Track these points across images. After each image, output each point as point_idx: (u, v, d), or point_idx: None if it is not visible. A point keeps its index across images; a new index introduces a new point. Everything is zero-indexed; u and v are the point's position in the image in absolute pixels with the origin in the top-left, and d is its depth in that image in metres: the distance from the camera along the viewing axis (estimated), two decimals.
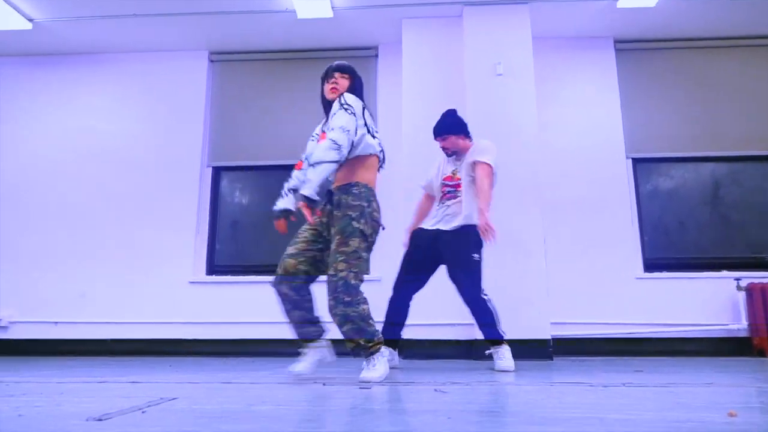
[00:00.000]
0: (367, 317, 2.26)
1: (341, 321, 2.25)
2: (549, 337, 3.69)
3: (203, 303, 4.34)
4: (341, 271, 2.24)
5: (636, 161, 4.52)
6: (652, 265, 4.34)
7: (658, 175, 4.54)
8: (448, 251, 2.89)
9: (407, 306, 3.01)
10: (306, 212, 2.24)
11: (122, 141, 4.67)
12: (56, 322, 4.32)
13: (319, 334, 2.41)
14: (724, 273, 4.18)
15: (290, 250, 2.38)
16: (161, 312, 4.30)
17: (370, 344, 2.27)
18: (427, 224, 3.06)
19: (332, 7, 4.19)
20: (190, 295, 4.36)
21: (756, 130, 4.48)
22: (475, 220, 2.86)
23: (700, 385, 2.07)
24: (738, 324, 4.01)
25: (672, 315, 4.13)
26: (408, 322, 3.89)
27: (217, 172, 4.71)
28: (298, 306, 2.37)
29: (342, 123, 2.30)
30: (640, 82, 4.62)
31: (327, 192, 2.42)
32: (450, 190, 3.05)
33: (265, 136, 4.70)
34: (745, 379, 2.36)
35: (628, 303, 4.17)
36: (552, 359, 3.61)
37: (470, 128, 4.03)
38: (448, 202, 3.01)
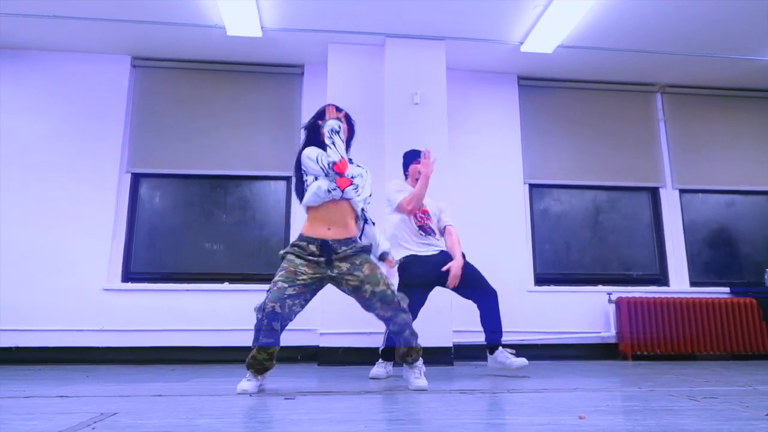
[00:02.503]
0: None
1: (402, 327, 2.61)
2: (451, 345, 4.11)
3: (118, 310, 4.34)
4: (391, 286, 2.60)
5: (532, 186, 5.08)
6: (541, 279, 4.92)
7: (549, 200, 5.14)
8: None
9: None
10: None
11: (39, 142, 4.54)
12: None
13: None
14: (600, 288, 4.84)
15: (289, 290, 2.47)
16: (73, 319, 4.25)
17: (420, 352, 2.69)
18: (420, 251, 3.34)
19: (261, 27, 4.36)
20: (104, 302, 4.35)
21: (630, 165, 5.20)
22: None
23: (567, 390, 2.52)
24: (608, 332, 4.67)
25: (556, 324, 4.71)
26: (325, 330, 4.16)
27: (136, 178, 4.70)
28: (277, 341, 2.55)
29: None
30: (538, 115, 5.20)
31: (323, 242, 2.55)
32: (427, 224, 3.43)
33: (188, 144, 4.76)
34: (607, 383, 2.87)
35: (521, 313, 4.70)
36: (453, 365, 4.03)
37: (387, 152, 4.40)
38: (433, 237, 3.42)
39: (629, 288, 4.87)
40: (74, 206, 4.46)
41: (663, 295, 4.80)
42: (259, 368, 2.51)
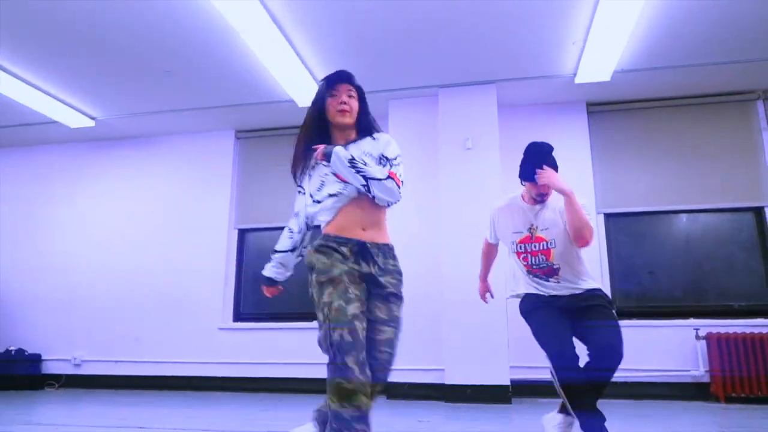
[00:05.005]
0: None
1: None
2: (508, 383, 4.19)
3: (231, 346, 5.20)
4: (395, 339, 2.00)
5: (607, 216, 4.89)
6: (623, 312, 4.69)
7: (629, 229, 4.88)
8: (593, 310, 2.44)
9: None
10: None
11: (166, 209, 5.67)
12: (117, 361, 5.35)
13: None
14: (690, 321, 4.47)
15: (351, 308, 1.85)
16: (197, 353, 5.21)
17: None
18: (538, 292, 2.53)
19: None
20: (221, 339, 5.24)
21: (727, 183, 4.72)
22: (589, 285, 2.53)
23: None
24: (697, 370, 4.31)
25: (637, 360, 4.46)
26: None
27: (242, 233, 5.58)
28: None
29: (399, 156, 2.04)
30: (612, 141, 4.99)
31: (361, 244, 1.95)
32: (541, 263, 2.50)
33: (283, 200, 5.51)
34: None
35: None
36: (510, 402, 4.12)
37: (442, 196, 4.64)
38: (552, 279, 2.50)
39: (728, 321, 4.42)
40: (194, 259, 5.46)
41: None
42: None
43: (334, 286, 1.89)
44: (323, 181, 2.01)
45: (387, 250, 2.02)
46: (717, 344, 4.22)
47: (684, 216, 4.84)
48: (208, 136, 5.78)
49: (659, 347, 4.47)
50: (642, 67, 4.43)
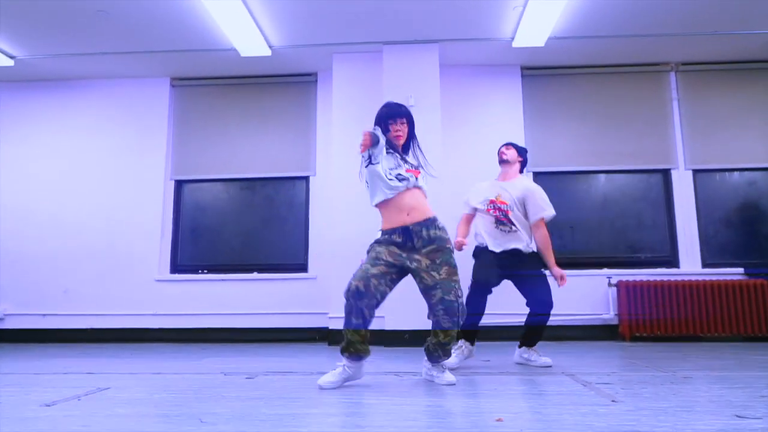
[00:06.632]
0: None
1: (453, 337, 2.60)
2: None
3: (168, 297, 5.15)
4: (460, 297, 2.58)
5: (536, 174, 5.25)
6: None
7: (554, 186, 5.25)
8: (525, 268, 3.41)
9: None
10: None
11: (97, 157, 5.42)
12: (44, 314, 5.16)
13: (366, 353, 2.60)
14: (604, 271, 4.96)
15: (372, 270, 2.52)
16: (132, 305, 5.13)
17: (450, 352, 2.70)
18: (492, 245, 3.35)
19: (269, 46, 4.87)
20: (158, 290, 5.18)
21: (642, 147, 5.19)
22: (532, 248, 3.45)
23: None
24: (608, 314, 4.83)
25: (558, 306, 4.90)
26: (333, 314, 4.70)
27: (179, 184, 5.46)
28: (366, 322, 2.54)
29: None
30: (543, 104, 5.31)
31: (404, 228, 2.60)
32: (503, 215, 3.38)
33: (221, 152, 5.43)
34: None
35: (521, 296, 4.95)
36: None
37: None
38: (509, 227, 3.35)
39: (636, 270, 4.95)
40: (127, 210, 5.30)
41: (671, 277, 4.85)
42: (353, 351, 2.54)
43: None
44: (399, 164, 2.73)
45: (432, 223, 2.66)
46: (626, 291, 4.74)
47: (602, 176, 5.28)
48: (141, 82, 5.52)
49: (577, 294, 4.92)
50: (573, 35, 4.72)
